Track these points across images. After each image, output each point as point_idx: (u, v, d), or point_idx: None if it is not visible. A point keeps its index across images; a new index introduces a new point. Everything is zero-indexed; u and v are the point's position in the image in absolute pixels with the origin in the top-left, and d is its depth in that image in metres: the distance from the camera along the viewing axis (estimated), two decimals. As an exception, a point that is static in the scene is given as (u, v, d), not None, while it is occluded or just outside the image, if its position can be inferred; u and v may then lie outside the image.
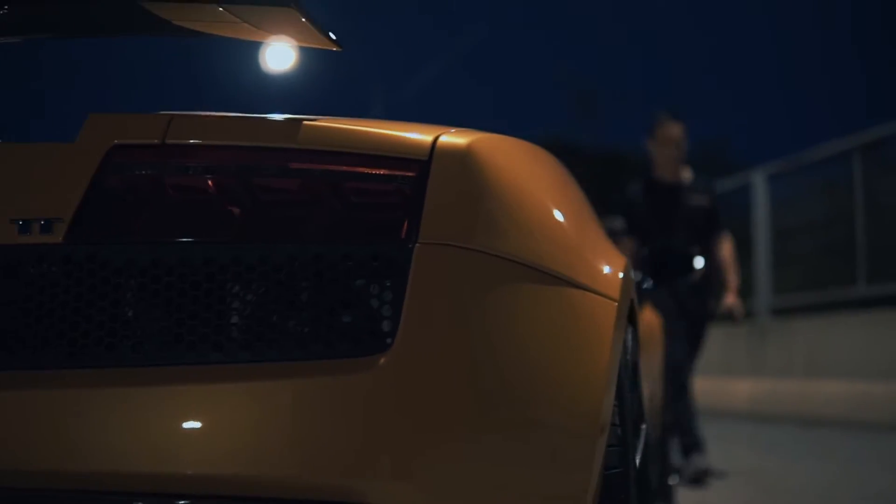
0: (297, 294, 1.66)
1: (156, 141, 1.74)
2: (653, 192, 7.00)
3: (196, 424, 1.59)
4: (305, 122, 1.78)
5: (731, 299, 7.20)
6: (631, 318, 2.45)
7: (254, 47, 26.70)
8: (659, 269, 4.74)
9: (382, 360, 1.62)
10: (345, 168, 1.74)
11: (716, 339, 12.81)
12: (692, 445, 6.60)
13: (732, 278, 7.21)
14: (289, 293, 1.66)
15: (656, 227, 6.82)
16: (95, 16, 1.92)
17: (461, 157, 1.80)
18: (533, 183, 2.01)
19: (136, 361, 1.65)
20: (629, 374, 2.20)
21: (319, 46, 1.93)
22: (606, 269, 2.14)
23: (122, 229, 1.73)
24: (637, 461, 2.42)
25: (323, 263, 1.67)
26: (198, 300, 1.65)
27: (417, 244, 1.69)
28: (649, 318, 5.00)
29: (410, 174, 1.75)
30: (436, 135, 1.80)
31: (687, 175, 7.05)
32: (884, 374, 10.00)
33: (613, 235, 6.22)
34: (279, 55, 25.01)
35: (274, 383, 1.61)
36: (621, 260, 2.31)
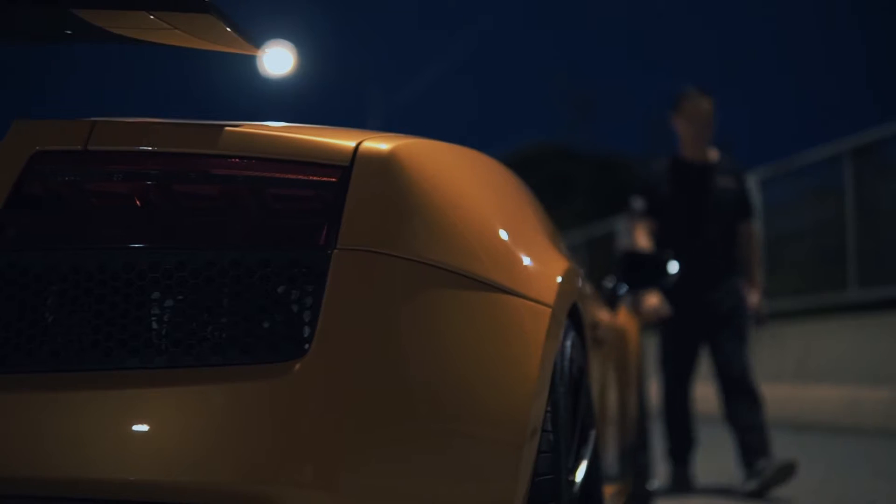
0: (215, 299, 1.67)
1: (78, 147, 1.75)
2: (678, 172, 6.48)
3: (112, 429, 1.59)
4: (228, 129, 1.77)
5: (754, 299, 6.49)
6: (576, 324, 2.46)
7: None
8: (631, 274, 4.73)
9: (298, 366, 1.63)
10: (266, 174, 1.75)
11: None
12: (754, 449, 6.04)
13: (756, 274, 6.59)
14: (207, 299, 1.67)
15: (681, 209, 6.40)
16: (22, 22, 1.92)
17: (383, 163, 1.80)
18: (460, 188, 1.99)
19: (54, 367, 1.65)
20: (567, 380, 2.18)
21: (241, 52, 1.93)
22: (541, 275, 2.12)
23: (43, 236, 1.73)
24: (580, 467, 2.42)
25: (241, 269, 1.67)
26: (116, 306, 1.66)
27: (336, 250, 1.70)
28: (626, 323, 5.00)
29: (331, 180, 1.75)
30: (358, 141, 1.81)
31: (714, 155, 6.52)
32: (873, 378, 9.98)
33: (633, 216, 6.54)
34: (278, 60, 25.21)
35: (190, 389, 1.62)
36: (562, 265, 2.29)
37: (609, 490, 3.72)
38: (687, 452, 6.41)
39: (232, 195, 1.73)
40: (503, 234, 2.08)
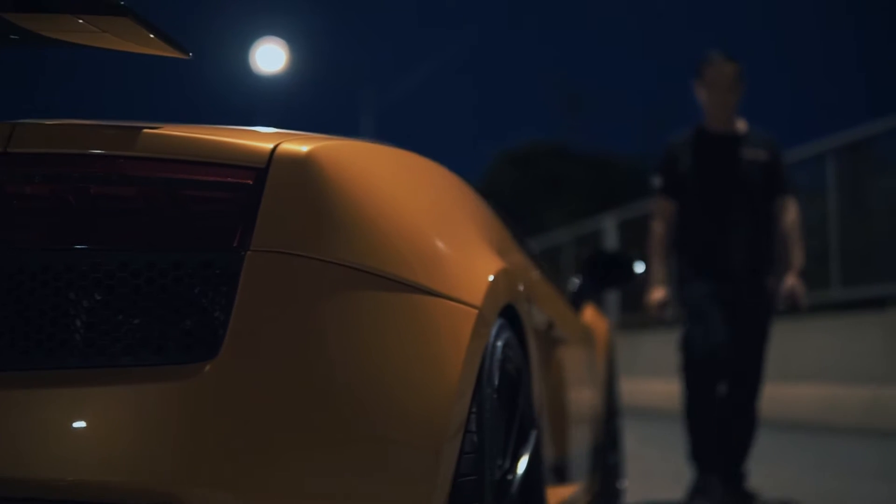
0: (129, 301, 1.67)
1: None
2: (700, 145, 5.83)
3: (23, 429, 1.60)
4: (146, 131, 1.78)
5: (791, 281, 5.68)
6: (514, 324, 2.47)
7: (243, 49, 26.64)
8: (596, 274, 4.75)
9: (209, 367, 1.64)
10: (183, 176, 1.75)
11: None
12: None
13: (797, 254, 5.76)
14: (121, 300, 1.67)
15: (703, 185, 5.77)
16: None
17: (300, 165, 1.81)
18: (382, 190, 2.00)
19: None
20: (497, 381, 2.18)
21: (167, 54, 1.93)
22: (468, 276, 2.12)
23: None
24: (518, 467, 2.44)
25: (155, 270, 1.68)
26: (31, 306, 1.66)
27: (249, 252, 1.71)
28: (593, 322, 5.02)
29: (247, 182, 1.76)
30: (276, 142, 1.81)
31: (742, 126, 5.85)
32: (854, 377, 10.02)
33: (653, 194, 6.06)
34: (270, 56, 25.22)
35: (103, 389, 1.63)
36: (495, 266, 2.30)
37: (571, 489, 3.75)
38: (714, 457, 5.70)
39: (148, 197, 1.74)
40: (427, 236, 2.08)
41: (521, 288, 2.62)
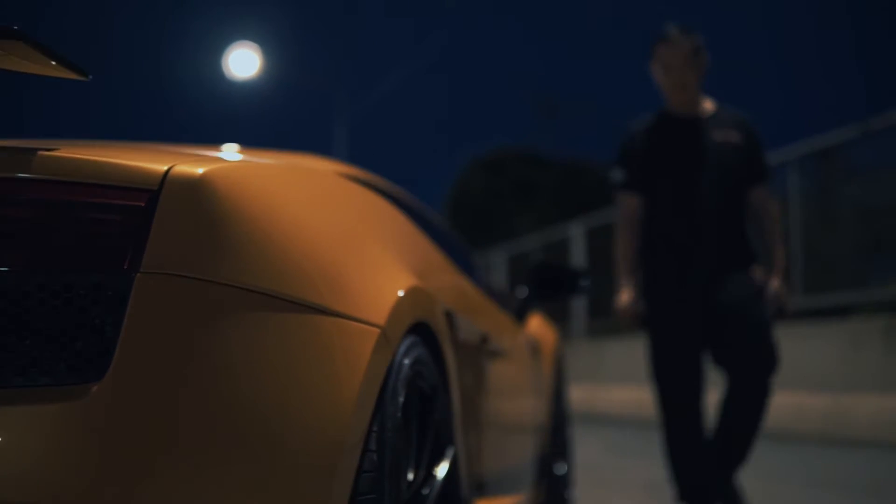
0: (19, 322, 1.67)
1: None
2: (662, 130, 5.17)
3: None
4: (41, 152, 1.78)
5: (774, 284, 5.03)
6: (428, 341, 2.49)
7: (217, 54, 26.57)
8: (540, 286, 4.75)
9: (96, 389, 1.64)
10: (75, 198, 1.75)
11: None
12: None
13: (780, 254, 5.11)
14: (11, 321, 1.67)
15: (671, 176, 5.11)
16: None
17: (193, 187, 1.82)
18: (280, 211, 2.01)
19: None
20: (404, 399, 2.20)
21: (63, 76, 1.94)
22: (371, 295, 2.14)
23: None
24: (431, 483, 2.46)
25: (46, 292, 1.68)
26: None
27: (139, 274, 1.71)
28: (540, 332, 5.03)
29: (139, 204, 1.77)
30: (171, 164, 1.82)
31: (709, 106, 5.19)
32: (816, 385, 10.07)
33: (613, 189, 5.31)
34: (243, 61, 25.20)
35: None
36: (404, 284, 2.31)
37: (509, 500, 3.76)
38: (703, 494, 5.01)
39: (40, 218, 1.74)
40: (327, 256, 2.09)
41: (439, 304, 2.63)
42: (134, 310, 1.70)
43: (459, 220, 32.22)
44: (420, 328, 2.41)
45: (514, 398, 4.09)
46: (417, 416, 2.38)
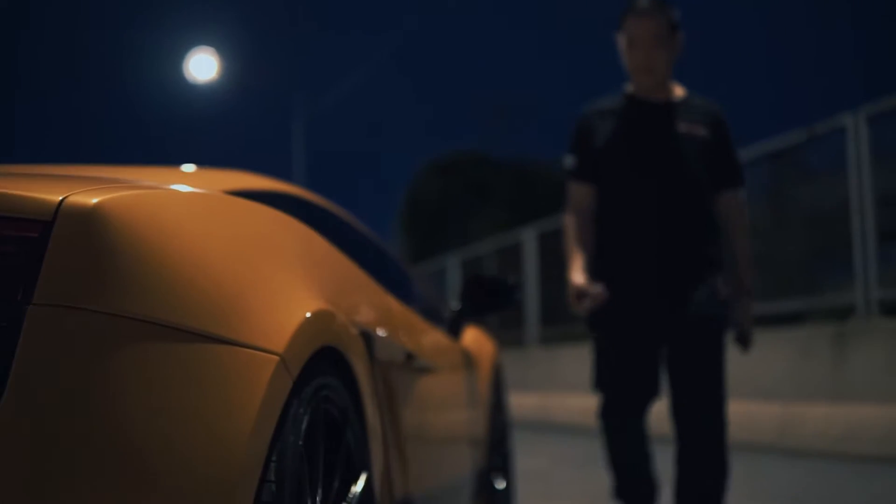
0: None
1: None
2: (622, 115, 4.52)
3: None
4: None
5: (742, 312, 4.52)
6: (339, 366, 2.46)
7: (178, 56, 26.61)
8: (474, 299, 4.70)
9: None
10: None
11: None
12: None
13: (747, 273, 4.53)
14: None
15: (624, 167, 4.48)
16: None
17: (87, 218, 1.80)
18: (176, 239, 1.98)
19: None
20: (305, 427, 2.16)
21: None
22: (271, 322, 2.11)
23: None
24: None
25: None
26: None
27: (31, 305, 1.70)
28: (476, 345, 4.98)
29: (32, 235, 1.75)
30: (64, 194, 1.80)
31: (680, 92, 4.57)
32: (766, 393, 10.06)
33: (566, 177, 4.63)
34: (203, 64, 25.20)
35: None
36: (310, 309, 2.28)
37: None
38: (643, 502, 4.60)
39: None
40: (224, 284, 2.06)
41: (351, 326, 2.60)
42: (26, 342, 1.68)
43: (415, 224, 32.32)
44: (329, 352, 2.38)
45: (446, 414, 4.04)
46: (326, 443, 2.34)
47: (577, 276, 4.41)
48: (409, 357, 3.32)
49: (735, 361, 10.62)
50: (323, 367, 2.31)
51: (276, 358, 2.04)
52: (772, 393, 10.02)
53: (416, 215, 33.89)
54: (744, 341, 4.55)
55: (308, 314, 2.24)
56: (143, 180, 2.37)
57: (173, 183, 2.47)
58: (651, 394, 4.47)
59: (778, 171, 11.59)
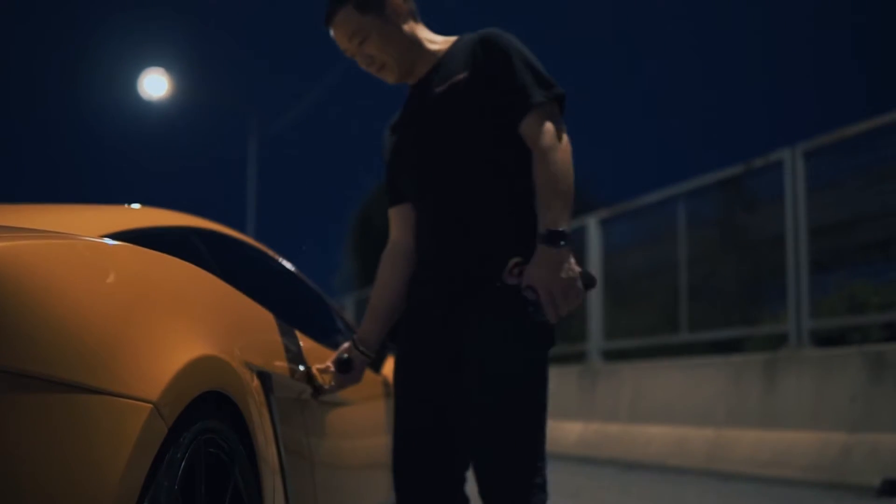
0: None
1: None
2: (398, 122, 3.56)
3: None
4: None
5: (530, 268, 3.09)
6: (225, 409, 2.52)
7: (132, 74, 26.43)
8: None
9: None
10: None
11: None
12: None
13: (541, 209, 3.14)
14: None
15: (401, 172, 3.53)
16: None
17: None
18: (51, 290, 2.02)
19: None
20: (179, 471, 2.21)
21: None
22: (147, 370, 2.15)
23: None
24: None
25: None
26: None
27: None
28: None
29: None
30: None
31: (441, 47, 3.50)
32: (699, 418, 10.20)
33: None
34: (154, 83, 25.09)
35: None
36: (189, 355, 2.32)
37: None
38: None
39: None
40: (99, 333, 2.09)
41: (241, 370, 2.65)
42: None
43: (365, 244, 32.10)
44: (216, 395, 2.43)
45: (360, 444, 4.11)
46: (210, 484, 2.39)
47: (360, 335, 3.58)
48: (317, 391, 3.38)
49: (668, 386, 10.80)
50: (206, 410, 2.37)
51: (149, 406, 2.09)
52: (705, 418, 10.16)
53: (366, 235, 33.71)
54: (536, 308, 3.07)
55: (189, 360, 2.29)
56: (21, 226, 2.39)
57: (58, 225, 2.49)
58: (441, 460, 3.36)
59: (725, 200, 11.75)
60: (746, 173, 10.81)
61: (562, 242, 3.07)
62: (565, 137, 3.21)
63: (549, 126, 3.19)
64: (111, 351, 2.09)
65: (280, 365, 3.05)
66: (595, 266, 13.24)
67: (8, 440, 1.82)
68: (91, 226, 2.70)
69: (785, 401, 9.25)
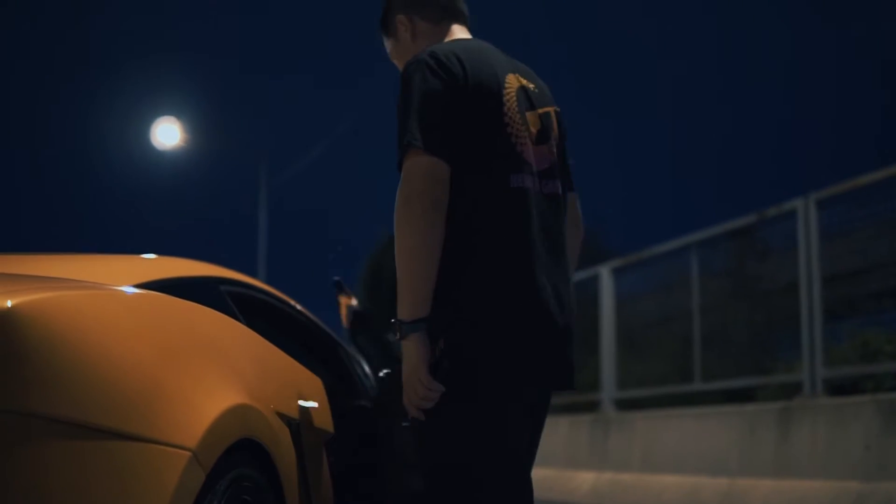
0: None
1: None
2: None
3: None
4: None
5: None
6: (258, 455, 2.55)
7: (145, 123, 26.55)
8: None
9: None
10: None
11: (558, 429, 12.93)
12: None
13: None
14: None
15: None
16: None
17: (2, 320, 1.88)
18: (91, 340, 2.05)
19: None
20: None
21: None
22: (185, 418, 2.18)
23: None
24: None
25: None
26: None
27: None
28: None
29: None
30: None
31: None
32: (712, 467, 10.17)
33: None
34: (167, 132, 25.20)
35: None
36: (225, 404, 2.35)
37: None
38: None
39: None
40: (138, 382, 2.13)
41: (271, 419, 2.68)
42: None
43: (375, 294, 31.99)
44: (248, 443, 2.47)
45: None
46: None
47: None
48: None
49: (681, 435, 10.77)
50: (241, 458, 2.40)
51: (188, 453, 2.12)
52: (718, 467, 10.13)
53: (377, 284, 33.61)
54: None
55: (224, 409, 2.32)
56: (62, 277, 2.43)
57: (94, 275, 2.53)
58: None
59: (737, 249, 11.77)
60: (759, 222, 10.83)
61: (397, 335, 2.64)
62: (406, 195, 2.64)
63: (399, 189, 2.69)
64: (152, 399, 2.12)
65: (306, 412, 3.08)
66: (608, 315, 13.24)
67: (49, 485, 1.84)
68: (122, 276, 2.74)
69: (799, 450, 9.22)
